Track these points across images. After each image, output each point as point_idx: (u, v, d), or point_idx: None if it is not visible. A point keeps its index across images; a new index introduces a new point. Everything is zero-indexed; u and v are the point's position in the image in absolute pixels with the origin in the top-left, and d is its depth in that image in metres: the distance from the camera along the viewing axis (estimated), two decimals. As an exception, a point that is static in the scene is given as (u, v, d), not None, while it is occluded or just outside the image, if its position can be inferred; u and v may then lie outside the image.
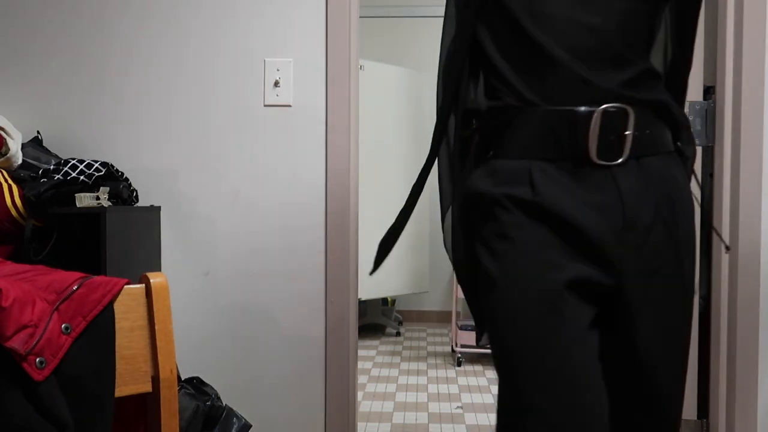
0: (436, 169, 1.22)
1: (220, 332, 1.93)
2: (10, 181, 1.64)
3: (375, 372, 3.56)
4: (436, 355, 3.96)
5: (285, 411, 1.92)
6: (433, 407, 2.95)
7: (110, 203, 1.72)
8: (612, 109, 0.93)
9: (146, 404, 0.89)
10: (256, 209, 1.92)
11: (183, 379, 1.65)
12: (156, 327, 0.86)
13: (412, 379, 3.41)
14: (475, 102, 1.07)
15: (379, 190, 4.14)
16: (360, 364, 3.61)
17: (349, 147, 1.90)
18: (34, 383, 0.74)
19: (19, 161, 1.73)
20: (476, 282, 1.03)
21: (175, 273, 1.92)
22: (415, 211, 1.29)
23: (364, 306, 4.49)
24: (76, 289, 0.82)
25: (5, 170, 1.68)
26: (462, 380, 3.39)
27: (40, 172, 1.69)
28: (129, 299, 0.85)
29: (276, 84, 1.90)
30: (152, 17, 1.93)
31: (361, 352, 3.90)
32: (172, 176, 1.93)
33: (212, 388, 1.66)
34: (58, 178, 1.66)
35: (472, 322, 3.73)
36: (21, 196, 1.63)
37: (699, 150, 1.71)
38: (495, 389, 3.22)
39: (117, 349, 0.83)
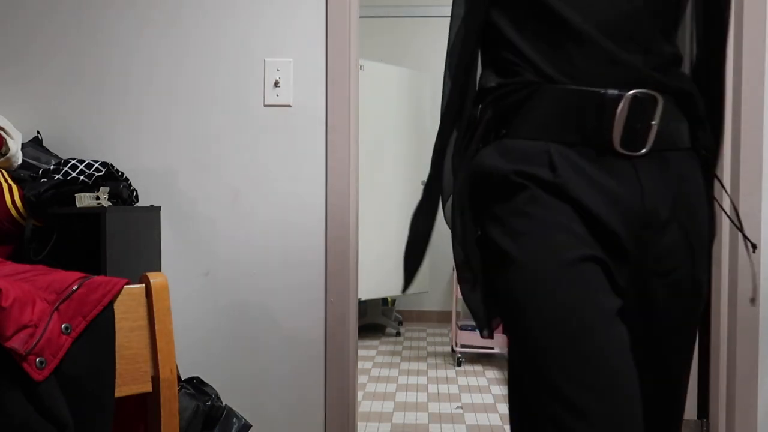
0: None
1: (220, 332, 1.93)
2: (10, 181, 1.64)
3: (375, 372, 3.56)
4: (436, 355, 3.96)
5: (285, 411, 1.92)
6: (433, 407, 2.95)
7: (110, 203, 1.72)
8: (641, 95, 0.86)
9: (146, 404, 0.89)
10: (256, 209, 1.92)
11: (183, 379, 1.65)
12: (156, 327, 0.86)
13: (412, 379, 3.41)
14: (483, 79, 0.99)
15: (379, 190, 4.14)
16: (360, 364, 3.61)
17: (349, 147, 1.90)
18: (34, 383, 0.74)
19: (19, 161, 1.73)
20: (488, 263, 0.94)
21: (175, 273, 1.92)
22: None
23: (364, 306, 4.49)
24: (76, 289, 0.82)
25: (5, 170, 1.68)
26: (462, 380, 3.39)
27: (40, 172, 1.69)
28: (129, 299, 0.85)
29: (276, 84, 1.90)
30: (152, 17, 1.93)
31: (361, 352, 3.91)
32: (172, 176, 1.93)
33: (212, 388, 1.66)
34: (58, 178, 1.66)
35: (472, 322, 3.73)
36: (21, 196, 1.63)
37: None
38: (495, 389, 3.22)
39: (117, 349, 0.83)
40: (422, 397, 3.10)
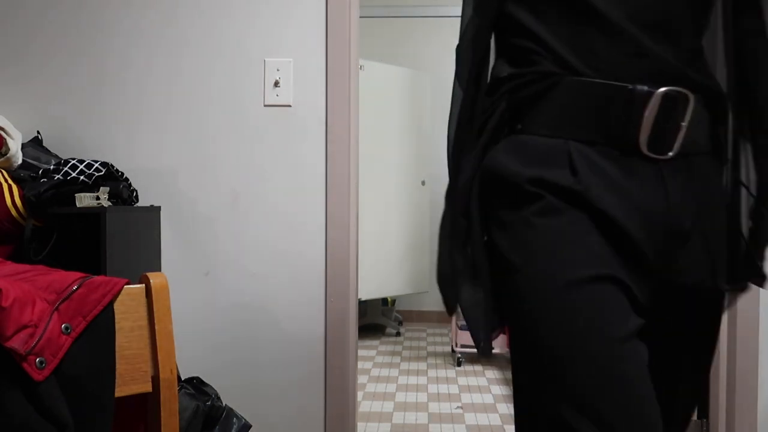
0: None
1: (220, 332, 1.93)
2: (10, 181, 1.64)
3: (375, 372, 3.56)
4: (436, 355, 3.96)
5: (285, 411, 1.92)
6: (433, 407, 2.95)
7: (110, 203, 1.72)
8: (672, 93, 0.79)
9: (146, 404, 0.89)
10: (256, 209, 1.92)
11: (183, 379, 1.65)
12: (156, 327, 0.86)
13: (412, 379, 3.41)
14: (496, 69, 0.91)
15: (379, 190, 4.14)
16: (360, 364, 3.61)
17: (349, 147, 1.90)
18: (34, 383, 0.74)
19: (19, 161, 1.73)
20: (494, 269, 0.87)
21: (175, 273, 1.92)
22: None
23: (364, 306, 4.49)
24: (76, 289, 0.82)
25: (5, 170, 1.68)
26: (462, 380, 3.39)
27: (40, 172, 1.69)
28: (129, 299, 0.85)
29: (276, 84, 1.90)
30: (152, 17, 1.93)
31: (361, 352, 3.90)
32: (172, 176, 1.93)
33: (212, 388, 1.66)
34: (58, 178, 1.66)
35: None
36: (21, 196, 1.63)
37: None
38: (495, 389, 3.22)
39: (117, 349, 0.83)
40: (422, 397, 3.10)
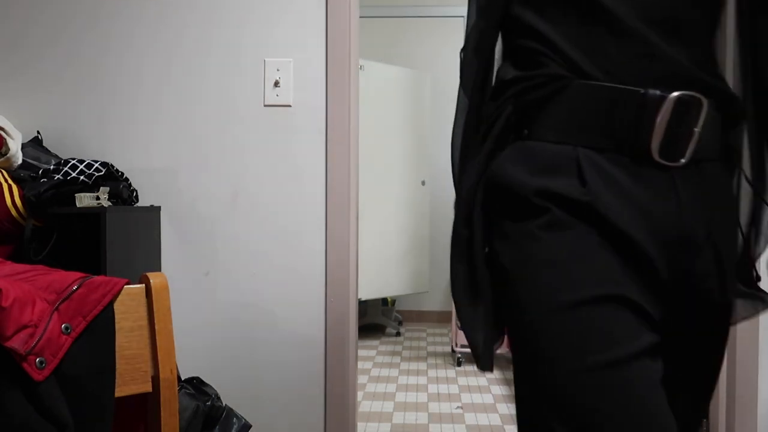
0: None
1: (220, 332, 1.93)
2: (10, 181, 1.64)
3: (375, 372, 3.56)
4: (436, 355, 3.96)
5: (285, 411, 1.92)
6: (433, 407, 2.95)
7: (110, 203, 1.72)
8: (685, 98, 0.76)
9: (146, 404, 0.89)
10: (256, 209, 1.92)
11: (183, 379, 1.65)
12: (156, 327, 0.86)
13: (412, 379, 3.41)
14: (502, 71, 0.88)
15: (379, 190, 4.14)
16: (360, 364, 3.61)
17: (349, 147, 1.90)
18: (34, 383, 0.74)
19: (19, 161, 1.73)
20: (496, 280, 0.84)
21: (175, 273, 1.92)
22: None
23: (364, 306, 4.49)
24: (76, 289, 0.82)
25: (5, 170, 1.68)
26: (462, 380, 3.39)
27: (40, 172, 1.69)
28: (129, 299, 0.85)
29: (276, 84, 1.90)
30: (151, 17, 1.93)
31: (361, 352, 3.91)
32: (172, 176, 1.93)
33: (212, 388, 1.66)
34: (58, 178, 1.66)
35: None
36: (21, 196, 1.63)
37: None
38: (495, 389, 3.23)
39: (117, 349, 0.83)
40: (422, 397, 3.10)
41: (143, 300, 0.86)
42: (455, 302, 0.90)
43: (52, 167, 1.69)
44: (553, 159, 0.79)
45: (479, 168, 0.86)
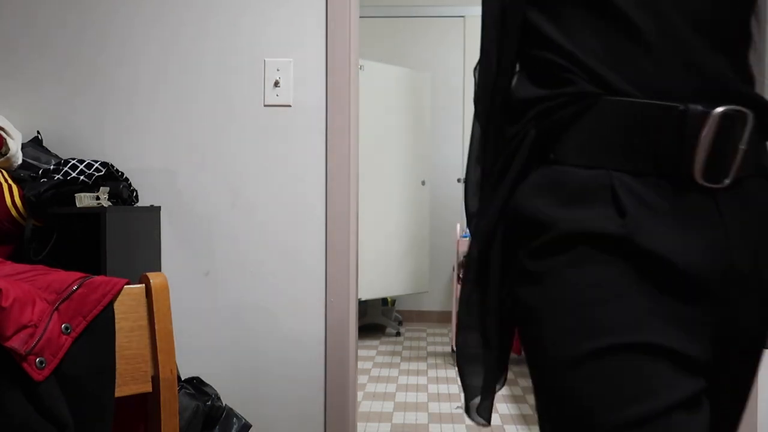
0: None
1: (220, 332, 1.93)
2: (10, 181, 1.64)
3: (375, 372, 3.56)
4: (436, 355, 3.96)
5: (285, 411, 1.92)
6: (433, 407, 2.95)
7: (110, 203, 1.72)
8: (731, 113, 0.68)
9: (146, 404, 0.89)
10: (256, 209, 1.92)
11: (183, 379, 1.66)
12: (156, 327, 0.86)
13: (412, 379, 3.41)
14: (520, 89, 0.79)
15: (379, 190, 4.14)
16: (360, 364, 3.61)
17: (349, 147, 1.90)
18: (34, 383, 0.74)
19: (19, 161, 1.73)
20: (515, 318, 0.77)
21: (175, 273, 1.92)
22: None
23: (364, 306, 4.50)
24: (76, 289, 0.82)
25: (5, 170, 1.68)
26: (462, 380, 3.39)
27: (40, 172, 1.69)
28: (129, 299, 0.85)
29: (276, 84, 1.90)
30: (151, 17, 1.93)
31: (361, 352, 3.91)
32: (172, 176, 1.93)
33: (212, 388, 1.66)
34: (58, 178, 1.66)
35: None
36: (21, 196, 1.63)
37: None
38: (495, 389, 3.22)
39: (117, 349, 0.83)
40: (422, 397, 3.10)
41: (143, 300, 0.87)
42: (457, 352, 0.84)
43: (52, 167, 1.69)
44: (584, 186, 0.70)
45: (500, 202, 0.78)
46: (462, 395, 0.83)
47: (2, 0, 1.94)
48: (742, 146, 0.69)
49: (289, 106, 1.90)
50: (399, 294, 4.44)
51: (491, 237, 0.79)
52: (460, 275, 3.79)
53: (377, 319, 4.57)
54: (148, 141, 1.93)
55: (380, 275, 4.18)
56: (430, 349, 4.12)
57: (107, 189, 1.71)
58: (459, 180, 4.76)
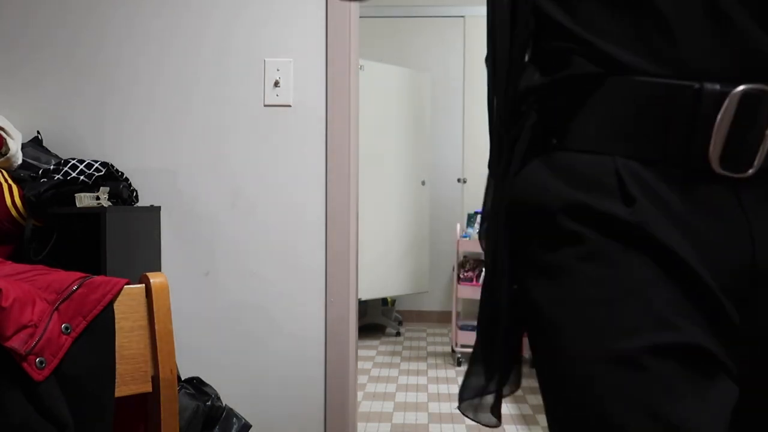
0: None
1: (220, 332, 1.93)
2: (10, 181, 1.64)
3: (375, 372, 3.56)
4: (436, 355, 3.96)
5: (285, 411, 1.92)
6: (433, 407, 2.95)
7: (110, 203, 1.72)
8: (755, 92, 0.59)
9: (146, 404, 0.89)
10: (256, 209, 1.92)
11: (183, 379, 1.66)
12: (156, 327, 0.86)
13: (412, 379, 3.41)
14: (527, 79, 0.73)
15: (379, 190, 4.14)
16: (360, 364, 3.61)
17: (349, 147, 1.90)
18: (34, 383, 0.74)
19: (19, 161, 1.73)
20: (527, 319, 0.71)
21: (175, 273, 1.92)
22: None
23: (364, 306, 4.49)
24: (76, 289, 0.82)
25: (5, 170, 1.68)
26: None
27: (40, 172, 1.69)
28: (129, 299, 0.85)
29: (276, 84, 1.90)
30: (150, 17, 1.93)
31: (361, 352, 3.91)
32: (172, 176, 1.93)
33: (212, 388, 1.66)
34: (58, 178, 1.66)
35: (472, 322, 3.74)
36: (21, 196, 1.63)
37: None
38: (495, 389, 3.22)
39: (117, 349, 0.83)
40: (422, 397, 3.10)
41: (143, 300, 0.87)
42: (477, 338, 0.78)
43: (52, 167, 1.69)
44: (587, 173, 0.64)
45: (501, 193, 0.73)
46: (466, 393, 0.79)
47: (2, 0, 1.94)
48: None
49: (289, 106, 1.90)
50: (399, 294, 4.44)
51: (494, 228, 0.74)
52: (461, 275, 3.79)
53: (377, 319, 4.57)
54: (148, 141, 1.93)
55: (380, 275, 4.18)
56: (430, 349, 4.12)
57: (107, 189, 1.71)
58: (459, 180, 4.76)
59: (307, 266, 1.91)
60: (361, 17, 2.00)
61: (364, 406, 2.96)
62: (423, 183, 4.46)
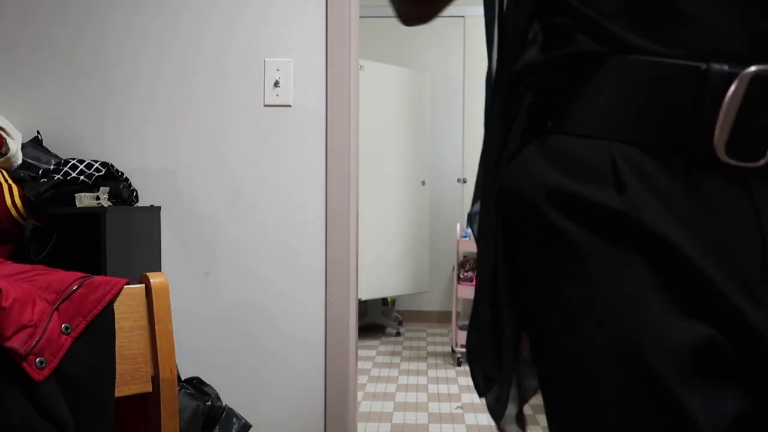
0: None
1: (220, 332, 1.93)
2: (10, 181, 1.65)
3: (375, 372, 3.56)
4: (436, 355, 3.96)
5: (285, 411, 1.92)
6: (433, 407, 2.95)
7: (110, 203, 1.72)
8: (765, 73, 0.53)
9: (146, 404, 0.89)
10: (256, 209, 1.92)
11: (183, 379, 1.66)
12: (156, 327, 0.86)
13: (412, 379, 3.41)
14: (526, 59, 0.69)
15: (379, 190, 4.14)
16: (360, 364, 3.61)
17: (349, 147, 1.90)
18: (34, 383, 0.74)
19: (19, 161, 1.73)
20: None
21: (175, 273, 1.92)
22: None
23: (364, 306, 4.50)
24: (76, 289, 0.82)
25: (5, 170, 1.68)
26: (462, 380, 3.39)
27: (40, 172, 1.69)
28: (129, 299, 0.85)
29: (276, 84, 1.90)
30: (150, 17, 1.93)
31: (361, 352, 3.91)
32: (172, 176, 1.93)
33: (212, 388, 1.66)
34: (58, 178, 1.66)
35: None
36: (21, 196, 1.63)
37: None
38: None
39: (117, 349, 0.83)
40: (422, 397, 3.10)
41: (143, 300, 0.87)
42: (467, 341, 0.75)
43: (52, 167, 1.69)
44: (582, 159, 0.60)
45: (496, 177, 0.69)
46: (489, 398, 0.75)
47: (2, 0, 1.95)
48: None
49: (289, 106, 1.90)
50: (399, 294, 4.44)
51: (488, 224, 0.70)
52: (461, 275, 3.79)
53: (377, 319, 4.57)
54: (148, 141, 1.93)
55: (380, 275, 4.18)
56: (430, 349, 4.12)
57: (107, 189, 1.72)
58: (459, 180, 4.76)
59: (307, 266, 1.91)
60: (361, 17, 2.00)
61: (364, 406, 2.96)
62: (423, 183, 4.46)
